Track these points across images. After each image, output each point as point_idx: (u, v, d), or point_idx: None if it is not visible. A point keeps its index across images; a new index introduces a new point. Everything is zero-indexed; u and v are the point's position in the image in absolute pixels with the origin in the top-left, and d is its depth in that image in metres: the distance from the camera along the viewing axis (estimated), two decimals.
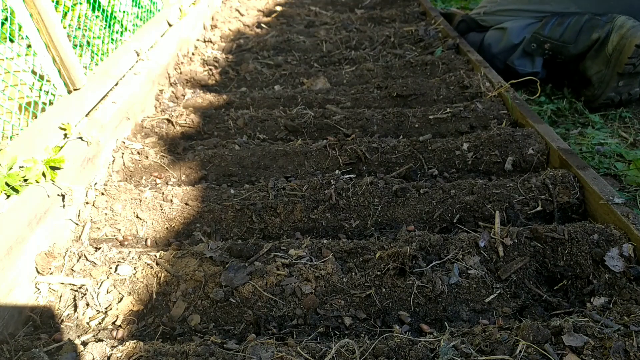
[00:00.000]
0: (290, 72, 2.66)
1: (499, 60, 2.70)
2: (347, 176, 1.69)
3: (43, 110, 1.67)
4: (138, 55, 2.34)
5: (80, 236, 1.53)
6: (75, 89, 1.83)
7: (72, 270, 1.35)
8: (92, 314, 1.26)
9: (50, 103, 1.72)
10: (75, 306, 1.28)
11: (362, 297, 1.26)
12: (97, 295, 1.28)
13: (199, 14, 3.30)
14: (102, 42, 2.24)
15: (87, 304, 1.27)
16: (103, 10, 2.36)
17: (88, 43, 2.15)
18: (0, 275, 1.19)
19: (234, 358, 1.04)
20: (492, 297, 1.26)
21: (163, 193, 1.64)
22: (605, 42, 2.33)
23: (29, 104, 1.63)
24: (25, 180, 1.37)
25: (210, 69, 2.76)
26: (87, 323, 1.24)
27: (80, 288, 1.31)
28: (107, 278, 1.32)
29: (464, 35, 2.97)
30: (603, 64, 2.36)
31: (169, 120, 2.14)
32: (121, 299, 1.28)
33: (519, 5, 2.72)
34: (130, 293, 1.29)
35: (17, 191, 1.33)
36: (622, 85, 2.31)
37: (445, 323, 1.22)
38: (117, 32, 2.43)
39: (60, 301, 1.29)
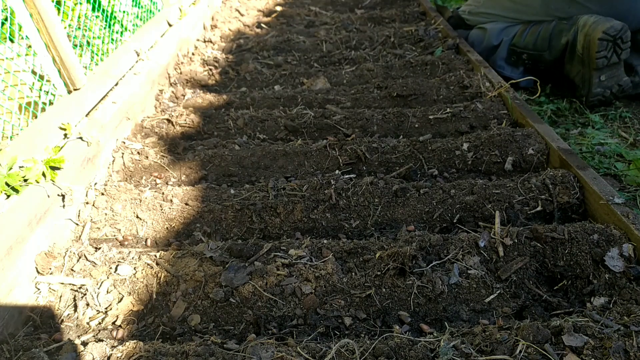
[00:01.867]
0: (290, 72, 2.66)
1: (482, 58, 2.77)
2: (347, 176, 1.69)
3: (43, 110, 1.67)
4: (138, 55, 2.34)
5: (80, 236, 1.53)
6: (75, 89, 1.83)
7: (72, 270, 1.35)
8: (92, 314, 1.26)
9: (50, 103, 1.72)
10: (75, 306, 1.28)
11: (362, 297, 1.26)
12: (97, 295, 1.28)
13: (199, 14, 3.30)
14: (102, 42, 2.24)
15: (87, 304, 1.27)
16: (103, 10, 2.36)
17: (88, 43, 2.15)
18: (0, 275, 1.19)
19: (234, 358, 1.04)
20: (492, 297, 1.26)
21: (163, 193, 1.64)
22: (575, 44, 2.39)
23: (29, 104, 1.63)
24: (25, 180, 1.37)
25: (210, 69, 2.77)
26: (87, 323, 1.25)
27: (80, 288, 1.31)
28: (107, 278, 1.32)
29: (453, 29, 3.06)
30: (580, 64, 2.40)
31: (169, 120, 2.14)
32: (121, 299, 1.28)
33: (497, 10, 2.82)
34: (130, 293, 1.29)
35: (17, 191, 1.33)
36: (606, 79, 2.33)
37: (445, 323, 1.22)
38: (117, 32, 2.43)
39: (60, 301, 1.29)
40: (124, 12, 2.51)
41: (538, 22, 2.61)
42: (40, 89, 1.71)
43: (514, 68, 2.72)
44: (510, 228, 1.38)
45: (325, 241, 1.41)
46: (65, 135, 1.64)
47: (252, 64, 2.75)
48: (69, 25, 2.10)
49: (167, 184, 1.79)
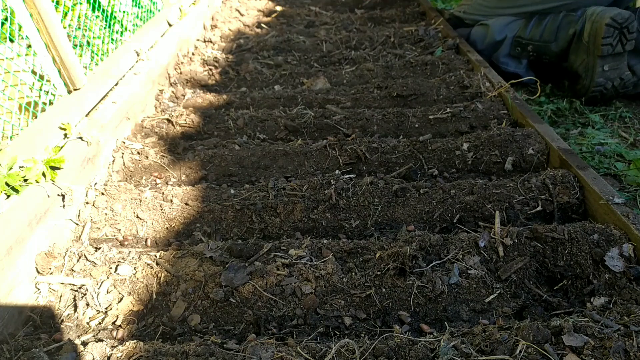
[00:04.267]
0: (290, 72, 2.66)
1: (484, 56, 2.79)
2: (347, 176, 1.69)
3: (43, 110, 1.67)
4: (138, 55, 2.34)
5: (80, 236, 1.53)
6: (75, 89, 1.83)
7: (72, 270, 1.35)
8: (92, 314, 1.26)
9: (50, 103, 1.72)
10: (75, 306, 1.28)
11: (362, 297, 1.26)
12: (97, 295, 1.28)
13: (199, 14, 3.30)
14: (102, 42, 2.24)
15: (87, 304, 1.27)
16: (103, 10, 2.36)
17: (88, 43, 2.15)
18: (0, 275, 1.19)
19: (234, 358, 1.04)
20: (492, 297, 1.26)
21: (163, 193, 1.64)
22: (582, 34, 2.41)
23: (29, 104, 1.63)
24: (25, 180, 1.37)
25: (210, 69, 2.77)
26: (87, 323, 1.25)
27: (80, 288, 1.31)
28: (107, 278, 1.32)
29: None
30: (584, 53, 2.42)
31: (169, 120, 2.14)
32: (121, 299, 1.28)
33: (494, 2, 2.86)
34: (130, 293, 1.29)
35: (17, 191, 1.33)
36: (609, 70, 2.35)
37: (445, 323, 1.22)
38: (117, 32, 2.43)
39: (60, 301, 1.29)
40: (124, 12, 2.51)
41: (543, 14, 2.63)
42: (40, 89, 1.71)
43: (518, 63, 2.72)
44: (510, 228, 1.38)
45: (325, 241, 1.41)
46: (65, 135, 1.64)
47: (252, 64, 2.75)
48: (69, 25, 2.10)
49: (167, 184, 1.79)
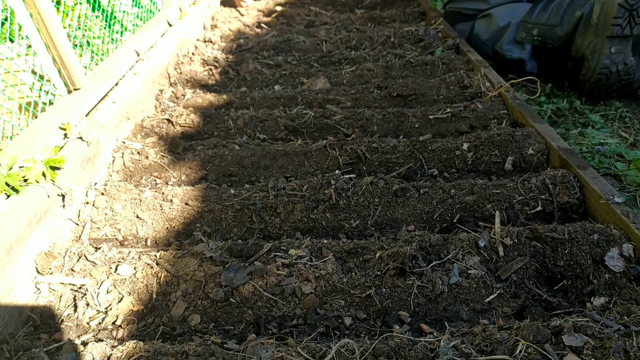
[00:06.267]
0: (290, 72, 2.66)
1: (487, 47, 2.82)
2: (347, 176, 1.69)
3: (43, 110, 1.67)
4: (138, 55, 2.34)
5: (80, 236, 1.53)
6: (75, 89, 1.83)
7: (72, 270, 1.35)
8: (92, 314, 1.26)
9: (50, 103, 1.72)
10: (75, 306, 1.28)
11: (362, 297, 1.26)
12: (97, 295, 1.28)
13: (199, 14, 3.30)
14: (102, 42, 2.24)
15: (87, 304, 1.27)
16: (103, 10, 2.36)
17: (88, 43, 2.15)
18: (0, 275, 1.19)
19: (234, 358, 1.04)
20: (492, 297, 1.26)
21: (163, 193, 1.64)
22: (590, 16, 2.41)
23: (29, 104, 1.63)
24: (25, 180, 1.37)
25: (210, 69, 2.76)
26: (87, 323, 1.25)
27: (80, 288, 1.31)
28: (107, 278, 1.32)
29: (452, 26, 3.11)
30: (592, 35, 2.41)
31: (169, 120, 2.14)
32: (121, 299, 1.28)
33: None
34: (130, 293, 1.29)
35: (17, 191, 1.33)
36: (615, 53, 2.35)
37: (445, 323, 1.22)
38: (117, 32, 2.43)
39: (60, 301, 1.29)
40: (124, 12, 2.51)
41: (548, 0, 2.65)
42: (40, 89, 1.71)
43: (522, 48, 2.72)
44: (510, 228, 1.38)
45: (325, 241, 1.41)
46: (65, 135, 1.64)
47: (252, 64, 2.75)
48: (69, 25, 2.10)
49: (167, 184, 1.79)
